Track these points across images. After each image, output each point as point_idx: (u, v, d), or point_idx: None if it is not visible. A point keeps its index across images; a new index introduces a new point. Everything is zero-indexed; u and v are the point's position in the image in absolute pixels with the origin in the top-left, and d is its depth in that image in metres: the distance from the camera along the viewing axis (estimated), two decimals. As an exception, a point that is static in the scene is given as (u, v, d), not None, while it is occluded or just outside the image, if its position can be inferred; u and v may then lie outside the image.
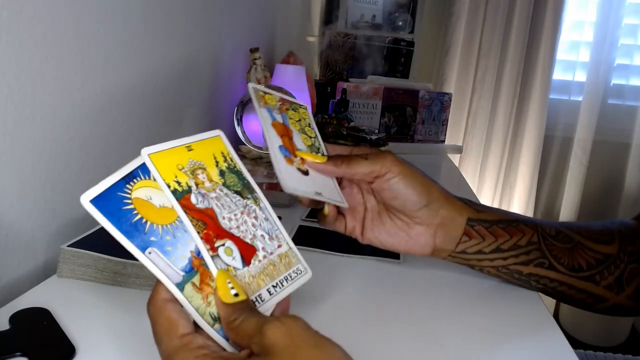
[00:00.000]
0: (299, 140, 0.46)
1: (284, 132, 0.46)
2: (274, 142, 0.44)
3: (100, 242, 0.51)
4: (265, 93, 0.47)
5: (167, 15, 0.75)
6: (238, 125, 0.79)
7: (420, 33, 1.94)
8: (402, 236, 0.50)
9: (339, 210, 0.50)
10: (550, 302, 2.07)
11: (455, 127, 2.05)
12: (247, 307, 0.31)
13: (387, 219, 0.50)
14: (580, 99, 2.04)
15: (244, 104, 0.79)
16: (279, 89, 0.80)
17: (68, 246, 0.50)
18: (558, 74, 2.04)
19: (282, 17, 1.52)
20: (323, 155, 0.47)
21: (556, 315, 2.12)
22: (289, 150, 0.45)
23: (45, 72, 0.50)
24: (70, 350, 0.39)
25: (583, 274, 0.50)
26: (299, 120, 0.48)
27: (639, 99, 2.04)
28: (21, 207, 0.50)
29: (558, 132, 2.09)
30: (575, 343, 1.98)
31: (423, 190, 0.48)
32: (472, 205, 0.51)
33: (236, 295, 0.31)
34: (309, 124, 0.49)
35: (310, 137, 0.48)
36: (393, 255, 0.61)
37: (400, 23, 1.82)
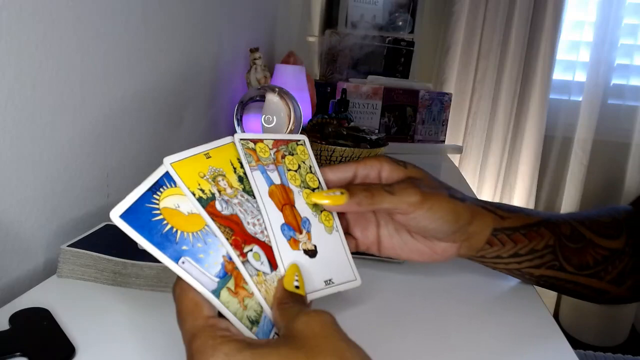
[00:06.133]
0: (301, 202, 0.39)
1: (285, 200, 0.38)
2: (275, 221, 0.36)
3: (100, 242, 0.51)
4: (256, 142, 0.39)
5: (167, 15, 0.75)
6: (238, 125, 0.79)
7: (420, 33, 1.94)
8: (426, 251, 0.48)
9: (346, 231, 0.45)
10: (551, 302, 2.07)
11: (455, 127, 2.05)
12: (301, 299, 0.34)
13: (408, 237, 0.48)
14: (580, 99, 2.04)
15: (244, 104, 0.79)
16: (278, 89, 0.80)
17: (68, 246, 0.50)
18: (558, 74, 2.04)
19: (282, 17, 1.52)
20: (341, 193, 0.39)
21: (556, 315, 2.12)
22: (293, 225, 0.37)
23: (46, 72, 0.50)
24: (70, 350, 0.39)
25: (589, 272, 0.51)
26: (299, 167, 0.40)
27: (639, 99, 2.04)
28: (21, 207, 0.50)
29: (558, 132, 2.09)
30: (575, 343, 1.98)
31: (452, 218, 0.45)
32: (497, 212, 0.49)
33: (297, 287, 0.34)
34: (310, 167, 0.41)
35: (313, 190, 0.40)
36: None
37: (400, 23, 1.82)
